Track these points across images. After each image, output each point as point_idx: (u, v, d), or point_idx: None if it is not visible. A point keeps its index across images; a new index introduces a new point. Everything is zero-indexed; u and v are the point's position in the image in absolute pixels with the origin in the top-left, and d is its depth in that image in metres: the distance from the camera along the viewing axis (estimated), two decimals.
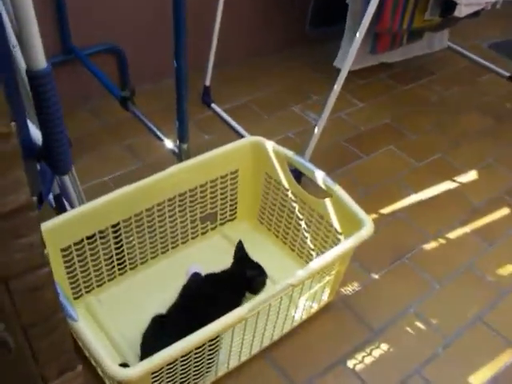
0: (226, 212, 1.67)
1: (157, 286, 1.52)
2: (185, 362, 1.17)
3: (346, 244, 1.32)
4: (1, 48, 0.77)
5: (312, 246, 1.55)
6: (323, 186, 1.47)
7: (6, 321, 0.70)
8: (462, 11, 2.07)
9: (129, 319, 1.42)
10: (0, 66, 0.76)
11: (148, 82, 2.25)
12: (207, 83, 2.24)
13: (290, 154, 1.53)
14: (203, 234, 1.65)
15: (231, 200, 1.65)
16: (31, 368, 0.78)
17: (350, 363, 1.42)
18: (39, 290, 0.72)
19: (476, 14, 2.18)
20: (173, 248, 1.60)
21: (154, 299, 1.44)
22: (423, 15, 2.13)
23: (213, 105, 2.24)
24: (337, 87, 1.76)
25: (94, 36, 2.06)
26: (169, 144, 1.73)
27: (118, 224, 1.43)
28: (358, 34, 1.70)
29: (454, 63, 2.67)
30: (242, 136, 2.05)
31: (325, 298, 1.49)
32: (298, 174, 1.57)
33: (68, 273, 1.39)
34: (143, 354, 1.28)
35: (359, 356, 1.43)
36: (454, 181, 1.99)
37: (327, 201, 1.46)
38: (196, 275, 1.50)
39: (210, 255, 1.61)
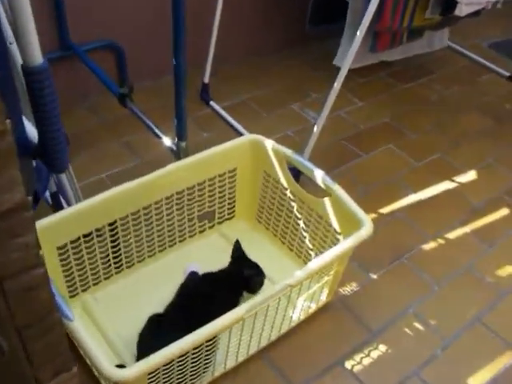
0: (224, 210, 1.66)
1: (154, 285, 1.51)
2: (182, 363, 1.15)
3: (345, 244, 1.31)
4: None
5: (310, 246, 1.54)
6: (322, 186, 1.46)
7: (0, 323, 0.69)
8: (462, 10, 2.06)
9: (125, 318, 1.41)
10: None
11: (147, 79, 2.24)
12: (206, 80, 2.23)
13: (289, 152, 1.52)
14: (201, 232, 1.64)
15: (229, 198, 1.64)
16: (25, 370, 0.77)
17: (348, 364, 1.41)
18: (34, 291, 0.71)
19: (477, 13, 2.17)
20: (170, 246, 1.59)
21: (151, 298, 1.43)
22: (424, 14, 2.12)
23: (211, 102, 2.23)
24: (336, 85, 1.75)
25: (92, 33, 2.04)
26: (167, 142, 1.72)
27: (115, 222, 1.42)
28: (358, 33, 1.68)
29: (454, 62, 2.66)
30: (240, 134, 2.04)
31: (323, 298, 1.48)
32: (296, 173, 1.56)
33: (64, 271, 1.37)
34: (139, 353, 1.27)
35: (357, 357, 1.42)
36: (454, 181, 1.98)
37: (326, 200, 1.45)
38: (193, 274, 1.49)
39: (208, 254, 1.59)
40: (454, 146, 2.14)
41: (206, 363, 1.25)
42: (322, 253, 1.44)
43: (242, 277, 1.42)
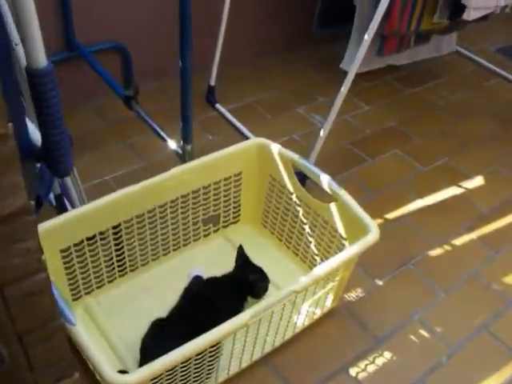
0: (229, 214, 1.65)
1: (157, 289, 1.50)
2: (185, 369, 1.14)
3: (351, 250, 1.30)
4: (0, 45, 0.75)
5: (316, 251, 1.52)
6: (328, 191, 1.44)
7: (1, 329, 0.68)
8: (470, 15, 2.04)
9: (128, 322, 1.40)
10: None
11: (152, 81, 2.23)
12: (212, 83, 2.22)
13: (295, 157, 1.51)
14: (205, 236, 1.63)
15: (234, 202, 1.63)
16: (26, 376, 0.76)
17: (353, 371, 1.39)
18: (36, 296, 0.70)
19: (484, 17, 2.16)
20: (174, 250, 1.57)
21: (155, 302, 1.43)
22: (432, 18, 2.11)
23: (217, 105, 2.22)
24: (343, 90, 1.74)
25: (98, 34, 2.04)
26: (172, 144, 1.71)
27: (119, 225, 1.41)
28: (366, 37, 1.67)
29: (462, 67, 2.65)
30: (246, 137, 2.03)
31: (328, 304, 1.46)
32: (302, 177, 1.55)
33: (67, 274, 1.36)
34: (142, 359, 1.25)
35: (362, 364, 1.41)
36: (460, 186, 1.97)
37: (332, 205, 1.44)
38: (197, 278, 1.48)
39: (212, 258, 1.58)
40: (461, 151, 2.13)
41: (210, 369, 1.24)
42: (327, 258, 1.43)
43: (246, 282, 1.41)
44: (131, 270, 1.51)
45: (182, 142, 1.60)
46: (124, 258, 1.47)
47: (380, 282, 1.61)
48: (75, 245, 1.34)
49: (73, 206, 1.42)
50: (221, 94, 2.24)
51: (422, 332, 1.49)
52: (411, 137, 2.18)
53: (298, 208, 1.54)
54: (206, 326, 1.13)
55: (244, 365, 1.34)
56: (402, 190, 1.93)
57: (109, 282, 1.48)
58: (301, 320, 1.41)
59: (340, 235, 1.43)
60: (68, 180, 1.33)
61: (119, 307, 1.45)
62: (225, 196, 1.59)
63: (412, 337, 1.48)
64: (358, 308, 1.53)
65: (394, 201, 1.88)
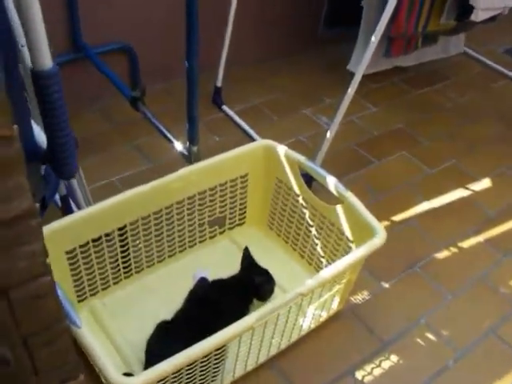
0: (235, 216, 1.64)
1: (163, 290, 1.49)
2: (190, 371, 1.14)
3: (358, 253, 1.29)
4: (5, 47, 0.74)
5: (322, 254, 1.52)
6: (335, 193, 1.44)
7: (6, 332, 0.67)
8: (478, 16, 2.03)
9: (133, 323, 1.40)
10: (4, 65, 0.73)
11: (159, 82, 2.23)
12: (218, 84, 2.21)
13: (301, 158, 1.50)
14: (211, 238, 1.63)
15: (240, 204, 1.63)
16: (31, 379, 0.76)
17: (359, 374, 1.38)
18: (41, 299, 0.70)
19: (492, 18, 2.14)
20: (180, 252, 1.57)
21: (160, 303, 1.42)
22: (439, 19, 2.10)
23: (223, 106, 2.21)
24: (350, 91, 1.73)
25: (105, 35, 2.03)
26: (178, 146, 1.70)
27: (125, 227, 1.40)
28: (373, 38, 1.66)
29: (469, 68, 2.64)
30: (252, 138, 2.03)
31: (334, 306, 1.45)
32: (308, 179, 1.54)
33: (73, 275, 1.36)
34: (148, 361, 1.25)
35: (368, 367, 1.40)
36: (468, 188, 1.96)
37: (339, 207, 1.43)
38: (203, 280, 1.47)
39: (218, 260, 1.58)
40: (468, 153, 2.12)
41: (215, 371, 1.23)
42: (333, 260, 1.42)
43: (252, 284, 1.41)
44: (137, 272, 1.51)
45: (188, 143, 1.60)
46: (129, 259, 1.47)
47: (386, 285, 1.60)
48: (81, 246, 1.34)
49: (79, 208, 1.41)
50: (227, 95, 2.23)
51: (429, 335, 1.48)
52: (418, 139, 2.17)
53: (305, 210, 1.54)
54: (211, 328, 1.12)
55: (249, 367, 1.34)
56: (409, 192, 1.92)
57: (114, 283, 1.47)
58: (307, 323, 1.40)
59: (346, 237, 1.42)
60: (74, 181, 1.33)
61: (124, 309, 1.45)
62: (231, 198, 1.59)
63: (419, 340, 1.47)
64: (364, 311, 1.52)
65: (401, 203, 1.87)
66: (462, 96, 2.44)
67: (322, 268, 1.51)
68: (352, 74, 1.73)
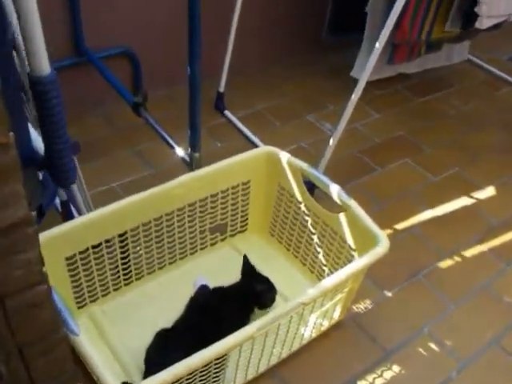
0: (236, 223, 1.63)
1: (163, 297, 1.48)
2: (190, 381, 1.12)
3: (361, 262, 1.27)
4: (2, 52, 0.73)
5: (324, 262, 1.50)
6: (338, 201, 1.42)
7: (1, 341, 0.66)
8: (483, 23, 2.02)
9: (133, 331, 1.38)
10: (1, 70, 0.72)
11: (162, 88, 2.22)
12: (221, 89, 2.20)
13: (304, 166, 1.49)
14: (212, 245, 1.61)
15: (242, 211, 1.61)
16: None
17: None
18: (37, 308, 0.69)
19: (496, 26, 2.13)
20: (181, 259, 1.56)
21: (160, 310, 1.41)
22: (443, 26, 2.09)
23: (226, 112, 2.20)
24: (354, 97, 1.72)
25: (107, 39, 2.03)
26: (180, 152, 1.69)
27: (126, 233, 1.39)
28: (377, 45, 1.65)
29: (473, 76, 2.62)
30: (255, 145, 2.01)
31: (336, 315, 1.44)
32: (311, 186, 1.53)
33: (72, 282, 1.35)
34: (147, 370, 1.24)
35: (370, 377, 1.38)
36: (471, 197, 1.94)
37: (341, 216, 1.42)
38: (204, 288, 1.46)
39: (219, 267, 1.57)
40: (472, 162, 2.10)
41: (215, 381, 1.22)
42: (335, 269, 1.41)
43: (253, 292, 1.39)
44: (137, 279, 1.50)
45: (189, 149, 1.59)
46: (130, 266, 1.46)
47: (389, 294, 1.59)
48: (80, 252, 1.32)
49: (79, 213, 1.41)
50: (230, 100, 2.23)
51: (432, 345, 1.47)
52: (421, 146, 2.15)
53: (307, 218, 1.52)
54: (211, 337, 1.11)
55: (250, 377, 1.32)
56: (412, 200, 1.90)
57: (114, 290, 1.46)
58: (308, 332, 1.39)
59: (349, 246, 1.41)
60: (74, 187, 1.32)
61: (124, 316, 1.43)
62: (232, 204, 1.57)
63: (421, 350, 1.46)
64: (366, 320, 1.51)
65: (404, 211, 1.85)
66: (465, 104, 2.43)
67: (324, 276, 1.50)
68: (355, 81, 1.72)
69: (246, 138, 2.09)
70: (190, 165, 1.61)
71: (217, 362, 1.15)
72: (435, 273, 1.66)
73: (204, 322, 1.31)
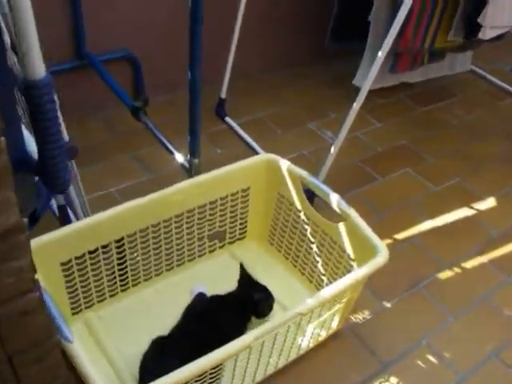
0: (235, 231, 1.61)
1: (160, 304, 1.47)
2: None
3: (360, 272, 1.26)
4: None
5: (323, 271, 1.49)
6: (337, 210, 1.41)
7: None
8: (486, 34, 2.01)
9: (129, 337, 1.37)
10: None
11: (163, 93, 2.21)
12: (222, 95, 2.19)
13: (304, 174, 1.48)
14: (211, 252, 1.60)
15: (241, 218, 1.60)
16: None
17: None
18: (29, 316, 0.67)
19: (499, 37, 2.13)
20: (178, 266, 1.54)
21: (156, 317, 1.40)
22: (446, 36, 2.08)
23: (227, 118, 2.19)
24: (356, 106, 1.71)
25: (109, 43, 2.02)
26: (179, 158, 1.68)
27: (123, 239, 1.38)
28: (379, 54, 1.64)
29: (476, 86, 2.61)
30: (255, 152, 2.00)
31: (334, 326, 1.42)
32: (311, 194, 1.51)
33: (67, 287, 1.34)
34: (141, 379, 1.22)
35: None
36: (472, 207, 1.93)
37: (341, 225, 1.40)
38: (201, 295, 1.45)
39: (217, 274, 1.55)
40: (474, 171, 2.09)
41: None
42: (334, 279, 1.40)
43: (250, 300, 1.38)
44: (133, 285, 1.48)
45: (189, 155, 1.58)
46: (126, 272, 1.44)
47: (388, 305, 1.57)
48: (76, 258, 1.31)
49: (77, 217, 1.39)
50: (231, 107, 2.22)
51: (430, 357, 1.45)
52: (423, 156, 2.14)
53: (306, 226, 1.51)
54: (208, 345, 1.10)
55: None
56: (413, 210, 1.89)
57: (110, 296, 1.45)
58: (305, 342, 1.37)
59: (348, 256, 1.40)
60: (72, 191, 1.31)
61: (120, 322, 1.42)
62: (231, 212, 1.56)
63: (419, 362, 1.44)
64: (364, 331, 1.49)
65: (404, 221, 1.84)
66: (468, 113, 2.42)
67: (322, 286, 1.48)
68: (358, 89, 1.71)
69: (247, 144, 2.08)
70: (190, 171, 1.60)
71: (212, 371, 1.13)
72: (435, 284, 1.64)
73: (201, 330, 1.30)
